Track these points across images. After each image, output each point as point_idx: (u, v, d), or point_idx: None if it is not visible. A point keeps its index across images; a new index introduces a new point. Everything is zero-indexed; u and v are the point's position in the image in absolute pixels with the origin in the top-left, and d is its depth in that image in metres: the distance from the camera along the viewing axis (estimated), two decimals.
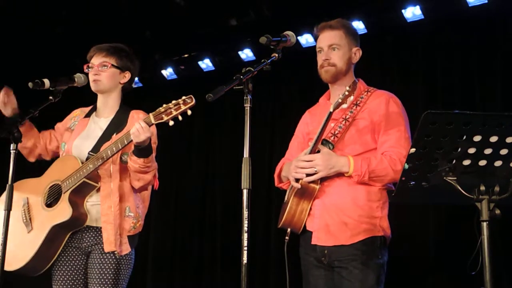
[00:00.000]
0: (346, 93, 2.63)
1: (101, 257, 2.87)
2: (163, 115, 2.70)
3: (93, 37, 5.46)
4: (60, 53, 5.68)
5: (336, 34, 2.80)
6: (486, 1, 4.43)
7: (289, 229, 2.69)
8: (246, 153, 2.26)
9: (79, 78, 3.05)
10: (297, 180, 2.64)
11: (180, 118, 2.70)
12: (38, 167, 3.19)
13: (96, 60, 3.04)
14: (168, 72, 5.94)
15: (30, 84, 2.88)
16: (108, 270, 2.86)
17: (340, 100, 2.63)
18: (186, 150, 5.93)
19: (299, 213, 2.66)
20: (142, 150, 2.79)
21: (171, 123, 2.71)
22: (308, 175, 2.61)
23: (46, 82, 2.92)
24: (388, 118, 2.69)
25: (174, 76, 5.93)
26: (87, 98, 3.22)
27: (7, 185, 2.74)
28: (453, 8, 4.55)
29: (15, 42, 5.57)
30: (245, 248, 2.20)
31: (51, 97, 2.93)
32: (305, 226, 2.70)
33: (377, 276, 2.58)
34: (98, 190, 2.91)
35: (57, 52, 5.67)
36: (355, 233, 2.61)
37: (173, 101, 2.71)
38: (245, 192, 2.24)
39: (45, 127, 3.24)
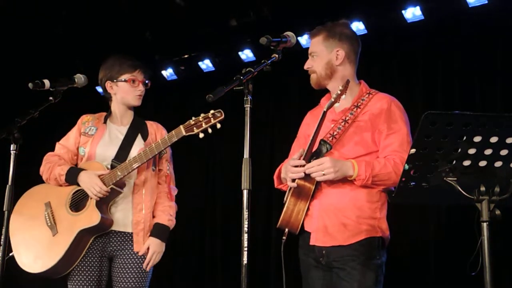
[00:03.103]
0: (339, 92, 2.63)
1: (130, 258, 2.97)
2: (194, 128, 2.79)
3: (93, 37, 5.50)
4: (60, 53, 5.69)
5: (315, 41, 2.83)
6: (486, 1, 4.43)
7: (286, 229, 2.68)
8: (246, 154, 2.27)
9: (79, 78, 3.05)
10: (293, 180, 2.64)
11: (210, 131, 2.78)
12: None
13: (141, 76, 3.13)
14: (168, 73, 5.94)
15: (30, 85, 2.88)
16: (137, 270, 2.97)
17: (333, 100, 2.63)
18: (186, 151, 5.93)
19: (296, 214, 2.66)
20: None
21: (201, 135, 2.80)
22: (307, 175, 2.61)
23: (46, 82, 2.92)
24: (390, 122, 2.69)
25: (174, 77, 5.93)
26: (87, 99, 3.22)
27: (7, 185, 2.75)
28: (453, 9, 4.55)
29: (15, 42, 5.58)
30: (245, 249, 2.20)
31: (51, 98, 2.93)
32: (303, 226, 2.69)
33: (375, 276, 2.57)
34: (124, 195, 3.00)
35: (57, 52, 5.67)
36: (354, 234, 2.61)
37: (202, 114, 2.79)
38: (245, 192, 2.24)
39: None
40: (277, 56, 2.49)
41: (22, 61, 5.66)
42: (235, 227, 2.68)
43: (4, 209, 2.72)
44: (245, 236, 2.21)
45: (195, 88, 5.65)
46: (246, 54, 5.45)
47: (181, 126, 2.82)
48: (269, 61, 2.44)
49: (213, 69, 5.71)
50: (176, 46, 5.74)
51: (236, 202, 2.43)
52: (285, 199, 2.73)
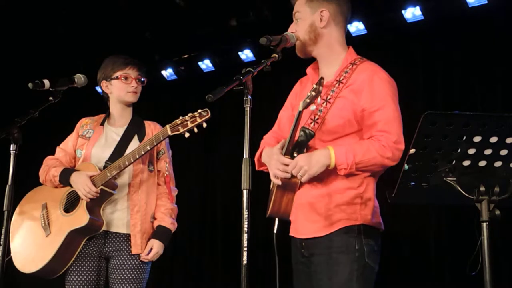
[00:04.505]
0: (313, 93, 2.41)
1: (126, 259, 2.98)
2: (179, 127, 2.81)
3: (93, 37, 5.50)
4: (60, 53, 5.69)
5: (298, 3, 2.60)
6: (486, 1, 4.43)
7: (276, 220, 2.53)
8: (246, 154, 2.26)
9: (79, 78, 3.05)
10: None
11: (195, 130, 2.80)
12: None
13: (134, 73, 3.12)
14: (168, 73, 5.94)
15: (30, 85, 2.88)
16: (133, 271, 2.97)
17: (308, 100, 2.42)
18: (186, 151, 5.93)
19: (285, 204, 2.51)
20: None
21: (187, 135, 2.82)
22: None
23: (46, 82, 2.92)
24: (373, 97, 2.46)
25: (174, 77, 5.94)
26: (87, 99, 3.22)
27: (7, 185, 2.75)
28: (453, 9, 4.56)
29: (15, 42, 5.58)
30: (245, 249, 2.20)
31: (51, 98, 2.93)
32: None
33: (352, 270, 2.37)
34: (120, 196, 3.02)
35: (58, 52, 5.67)
36: (330, 223, 2.45)
37: (189, 114, 2.82)
38: (245, 192, 2.24)
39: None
40: (277, 56, 2.47)
41: (22, 61, 5.66)
42: (235, 227, 2.67)
43: (4, 209, 2.72)
44: (245, 236, 2.21)
45: (195, 88, 5.65)
46: (246, 54, 5.45)
47: (167, 126, 2.85)
48: (269, 61, 2.43)
49: (213, 69, 5.71)
50: (176, 46, 5.74)
51: (236, 202, 2.42)
52: (271, 186, 2.60)
